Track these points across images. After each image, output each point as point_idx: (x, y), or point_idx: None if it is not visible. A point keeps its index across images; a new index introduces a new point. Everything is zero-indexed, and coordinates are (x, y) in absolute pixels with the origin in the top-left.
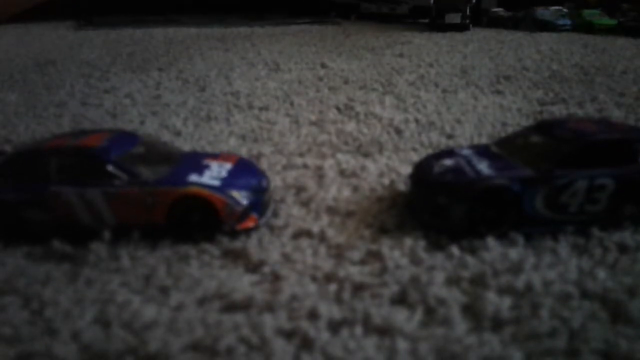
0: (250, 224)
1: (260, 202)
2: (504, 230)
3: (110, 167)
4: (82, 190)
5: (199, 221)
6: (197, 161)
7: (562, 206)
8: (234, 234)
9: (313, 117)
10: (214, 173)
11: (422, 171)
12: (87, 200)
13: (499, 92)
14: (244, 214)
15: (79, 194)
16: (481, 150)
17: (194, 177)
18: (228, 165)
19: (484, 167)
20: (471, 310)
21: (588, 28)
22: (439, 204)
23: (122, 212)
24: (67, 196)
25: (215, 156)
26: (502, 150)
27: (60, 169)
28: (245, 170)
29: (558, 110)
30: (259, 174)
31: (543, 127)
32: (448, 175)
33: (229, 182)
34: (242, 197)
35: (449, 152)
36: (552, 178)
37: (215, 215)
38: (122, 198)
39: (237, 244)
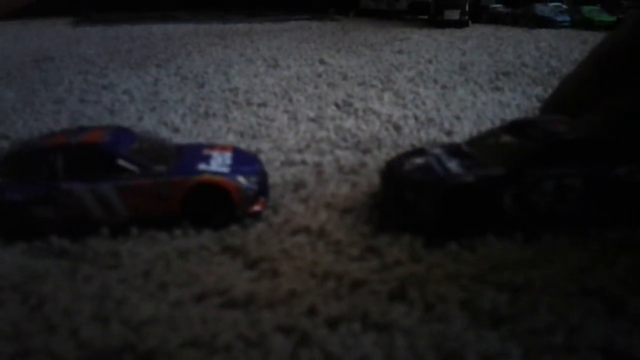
0: (260, 207)
1: (264, 186)
2: (473, 228)
3: (121, 161)
4: (93, 186)
5: (213, 207)
6: (198, 152)
7: (530, 205)
8: (251, 216)
9: (312, 114)
10: (219, 161)
11: (392, 169)
12: (99, 196)
13: (498, 89)
14: (254, 197)
15: (90, 189)
16: (452, 149)
17: (203, 166)
18: (228, 154)
19: (453, 165)
20: (470, 306)
21: (587, 24)
22: (408, 201)
23: (136, 205)
24: (79, 192)
25: (211, 146)
26: (473, 149)
27: (68, 166)
28: (244, 158)
29: None
30: (256, 160)
31: (515, 126)
32: (417, 173)
33: (236, 168)
34: (251, 182)
35: (420, 151)
36: (520, 177)
37: (229, 200)
38: (136, 191)
39: (236, 239)
